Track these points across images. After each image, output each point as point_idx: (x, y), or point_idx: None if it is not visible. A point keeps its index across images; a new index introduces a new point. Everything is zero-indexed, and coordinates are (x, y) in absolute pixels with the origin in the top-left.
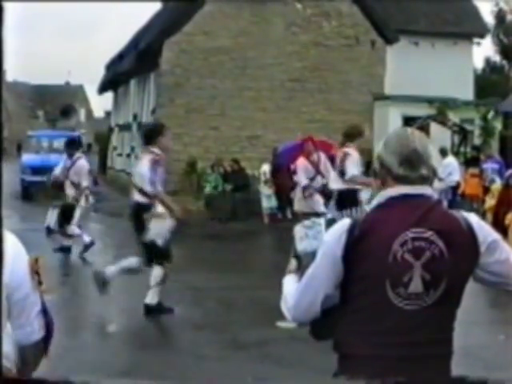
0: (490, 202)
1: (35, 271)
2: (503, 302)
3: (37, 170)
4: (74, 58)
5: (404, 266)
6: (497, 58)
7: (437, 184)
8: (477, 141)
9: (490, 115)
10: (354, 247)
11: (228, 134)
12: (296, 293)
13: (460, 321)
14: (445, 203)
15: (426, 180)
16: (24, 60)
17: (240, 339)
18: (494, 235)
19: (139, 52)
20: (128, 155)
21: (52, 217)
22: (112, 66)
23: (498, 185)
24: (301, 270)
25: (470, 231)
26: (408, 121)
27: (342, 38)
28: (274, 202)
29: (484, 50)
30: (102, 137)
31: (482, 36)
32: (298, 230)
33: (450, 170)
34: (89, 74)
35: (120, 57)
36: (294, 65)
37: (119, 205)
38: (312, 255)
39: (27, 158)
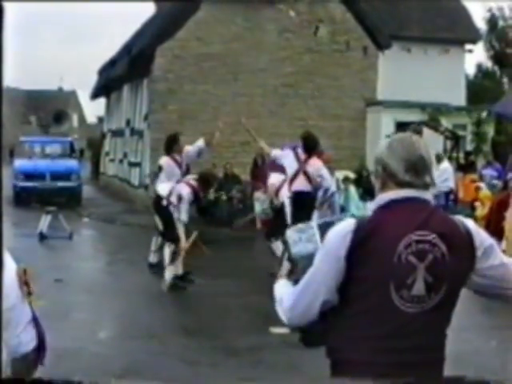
0: (482, 210)
1: (24, 282)
2: (495, 308)
3: (29, 175)
4: (66, 64)
5: (408, 268)
6: (489, 64)
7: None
8: (469, 146)
9: (484, 115)
10: (359, 248)
11: (221, 140)
12: (294, 294)
13: (452, 326)
14: None
15: (428, 187)
16: (16, 66)
17: (233, 345)
18: (490, 240)
19: (132, 58)
20: (120, 161)
21: (45, 222)
22: (104, 71)
23: (487, 192)
24: (295, 273)
25: (468, 235)
26: (400, 126)
27: (334, 43)
28: (267, 207)
29: (476, 56)
30: (94, 142)
31: (474, 42)
32: (291, 234)
33: (447, 175)
34: (81, 79)
35: (112, 62)
36: (286, 71)
37: (112, 211)
38: (307, 258)
39: (19, 163)
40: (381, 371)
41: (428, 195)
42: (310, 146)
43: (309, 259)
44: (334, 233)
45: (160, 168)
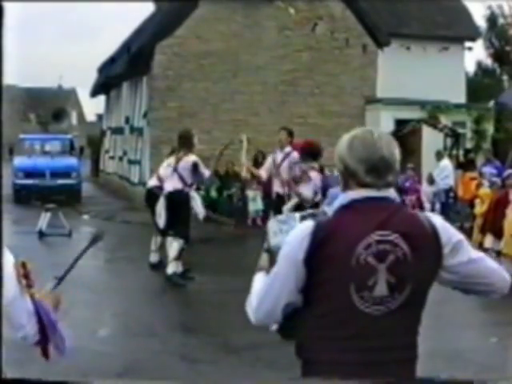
0: (481, 208)
1: (23, 275)
2: (495, 305)
3: (29, 173)
4: (66, 62)
5: (368, 270)
6: (488, 62)
7: (427, 187)
8: (469, 144)
9: (491, 104)
10: (318, 251)
11: (220, 138)
12: (259, 294)
13: (452, 324)
14: (437, 206)
15: (391, 185)
16: (16, 63)
17: (232, 343)
18: (458, 236)
19: (131, 55)
20: (120, 158)
21: (44, 220)
22: (104, 69)
23: (486, 190)
24: (273, 265)
25: (433, 233)
26: (400, 124)
27: (334, 41)
28: (259, 205)
29: (476, 54)
30: (94, 140)
31: (473, 39)
32: (272, 224)
33: (447, 173)
34: (81, 77)
35: (112, 60)
36: (286, 68)
37: (111, 208)
38: None
39: (19, 161)
40: (349, 370)
41: (392, 194)
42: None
43: None
44: (292, 236)
45: (196, 165)
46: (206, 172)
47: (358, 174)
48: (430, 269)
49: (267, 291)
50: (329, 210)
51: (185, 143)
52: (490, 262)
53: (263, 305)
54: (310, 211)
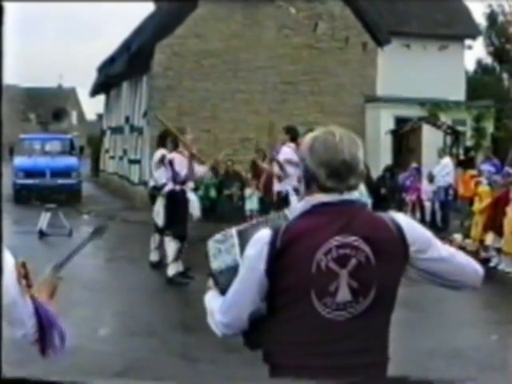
0: (479, 205)
1: (23, 275)
2: (495, 303)
3: (29, 172)
4: (66, 61)
5: (329, 275)
6: (488, 60)
7: (427, 186)
8: (469, 142)
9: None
10: (277, 259)
11: (220, 137)
12: (222, 308)
13: (452, 322)
14: (437, 205)
15: (354, 188)
16: (16, 63)
17: (232, 342)
18: (426, 234)
19: (131, 54)
20: (120, 158)
21: (45, 220)
22: (104, 68)
23: (485, 187)
24: (218, 288)
25: (398, 232)
26: (400, 122)
27: (333, 40)
28: (254, 204)
29: (476, 52)
30: (94, 140)
31: (473, 38)
32: (211, 246)
33: (447, 170)
34: (81, 76)
35: (112, 59)
36: (286, 67)
37: (111, 208)
38: (227, 272)
39: (19, 160)
40: (316, 374)
41: (354, 195)
42: None
43: (229, 272)
44: (251, 247)
45: (163, 159)
46: (183, 171)
47: (319, 177)
48: (396, 270)
49: (232, 303)
50: (289, 213)
51: (160, 143)
52: (461, 259)
53: (228, 316)
54: (248, 223)
